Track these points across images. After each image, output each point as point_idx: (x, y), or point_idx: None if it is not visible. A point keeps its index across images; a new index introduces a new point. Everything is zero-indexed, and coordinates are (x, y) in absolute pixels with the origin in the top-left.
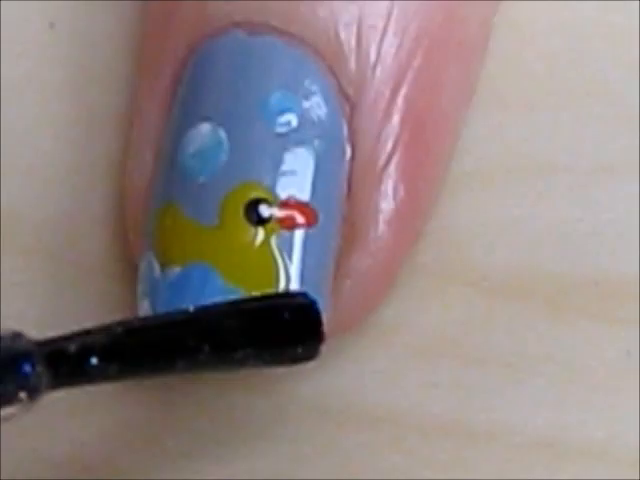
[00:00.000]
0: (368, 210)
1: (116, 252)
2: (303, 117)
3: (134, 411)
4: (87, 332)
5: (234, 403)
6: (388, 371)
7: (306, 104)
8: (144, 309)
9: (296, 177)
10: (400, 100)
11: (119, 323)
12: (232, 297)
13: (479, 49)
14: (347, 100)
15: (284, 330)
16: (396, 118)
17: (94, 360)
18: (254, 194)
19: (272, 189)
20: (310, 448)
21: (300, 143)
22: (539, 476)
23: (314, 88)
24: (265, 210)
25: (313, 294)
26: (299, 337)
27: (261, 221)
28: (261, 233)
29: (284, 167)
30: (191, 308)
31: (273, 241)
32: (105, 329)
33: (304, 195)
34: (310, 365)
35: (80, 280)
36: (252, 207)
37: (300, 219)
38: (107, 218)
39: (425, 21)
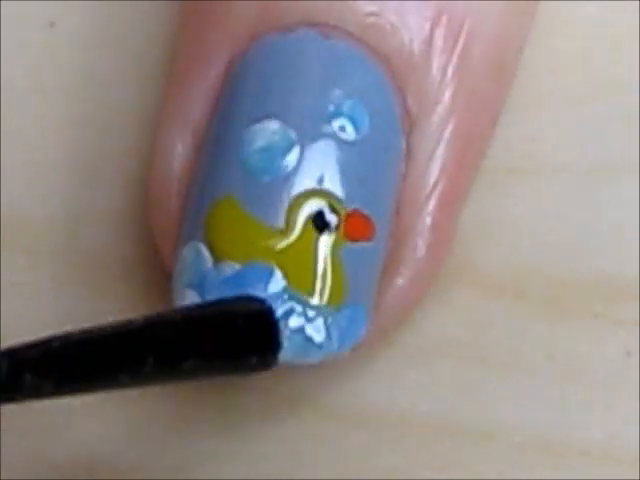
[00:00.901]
0: (414, 229)
1: (118, 252)
2: (371, 128)
3: (134, 411)
4: (21, 347)
5: (234, 403)
6: (388, 371)
7: (375, 116)
8: (190, 299)
9: (362, 189)
10: (454, 122)
11: (55, 337)
12: (293, 302)
13: (513, 71)
14: (408, 116)
15: (236, 339)
16: (448, 140)
17: (27, 376)
18: (323, 202)
19: (340, 199)
20: (310, 448)
21: (367, 155)
22: (539, 476)
23: (383, 101)
24: (333, 220)
25: (361, 307)
26: (254, 346)
27: (328, 230)
28: (328, 243)
29: (352, 177)
30: (137, 317)
31: (337, 252)
32: (40, 343)
33: (367, 208)
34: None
35: (81, 280)
36: (320, 215)
37: (363, 232)
38: (109, 218)
39: (485, 45)
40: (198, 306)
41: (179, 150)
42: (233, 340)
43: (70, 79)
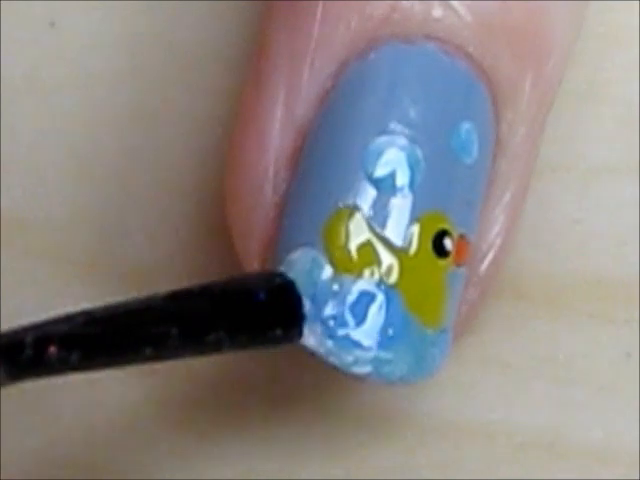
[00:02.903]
0: (484, 254)
1: (118, 252)
2: (479, 153)
3: (134, 411)
4: (46, 323)
5: (234, 403)
6: None
7: (482, 140)
8: (304, 309)
9: (469, 214)
10: (526, 152)
11: (80, 313)
12: (409, 325)
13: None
14: (498, 143)
15: (259, 312)
16: (520, 166)
17: (52, 349)
18: (443, 225)
19: (455, 223)
20: (310, 448)
21: (475, 179)
22: (539, 476)
23: (488, 126)
24: (448, 244)
25: (450, 329)
26: (277, 319)
27: (444, 254)
28: (442, 266)
29: (464, 202)
30: (160, 292)
31: (447, 276)
32: (65, 319)
33: (470, 233)
34: (309, 364)
35: (80, 280)
36: (439, 238)
37: (465, 257)
38: (108, 218)
39: (558, 78)
40: (221, 281)
41: (278, 142)
42: (257, 313)
43: (70, 79)
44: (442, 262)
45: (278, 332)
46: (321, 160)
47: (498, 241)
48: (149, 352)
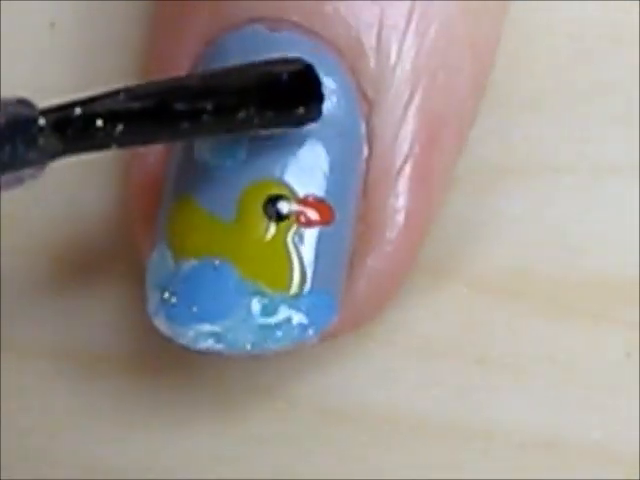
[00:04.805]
0: (384, 211)
1: (118, 252)
2: (323, 114)
3: (134, 412)
4: (91, 99)
5: (234, 403)
6: (388, 371)
7: (326, 101)
8: (155, 300)
9: (314, 174)
10: (418, 101)
11: (122, 89)
12: (249, 292)
13: (491, 49)
14: (365, 99)
15: (284, 91)
16: (413, 119)
17: (99, 122)
18: (273, 191)
19: (291, 186)
20: (310, 448)
21: (319, 140)
22: (539, 476)
23: (334, 86)
24: (284, 207)
25: (326, 292)
26: (299, 98)
27: (279, 218)
28: (279, 229)
29: (303, 164)
30: (195, 72)
31: (290, 238)
32: (109, 95)
33: (321, 192)
34: (310, 363)
35: (80, 280)
36: (271, 203)
37: (317, 216)
38: (107, 218)
39: (444, 22)
40: (250, 64)
41: (150, 159)
42: (281, 92)
43: (70, 79)
44: (281, 225)
45: (300, 110)
46: (169, 156)
47: (398, 199)
48: (185, 127)
